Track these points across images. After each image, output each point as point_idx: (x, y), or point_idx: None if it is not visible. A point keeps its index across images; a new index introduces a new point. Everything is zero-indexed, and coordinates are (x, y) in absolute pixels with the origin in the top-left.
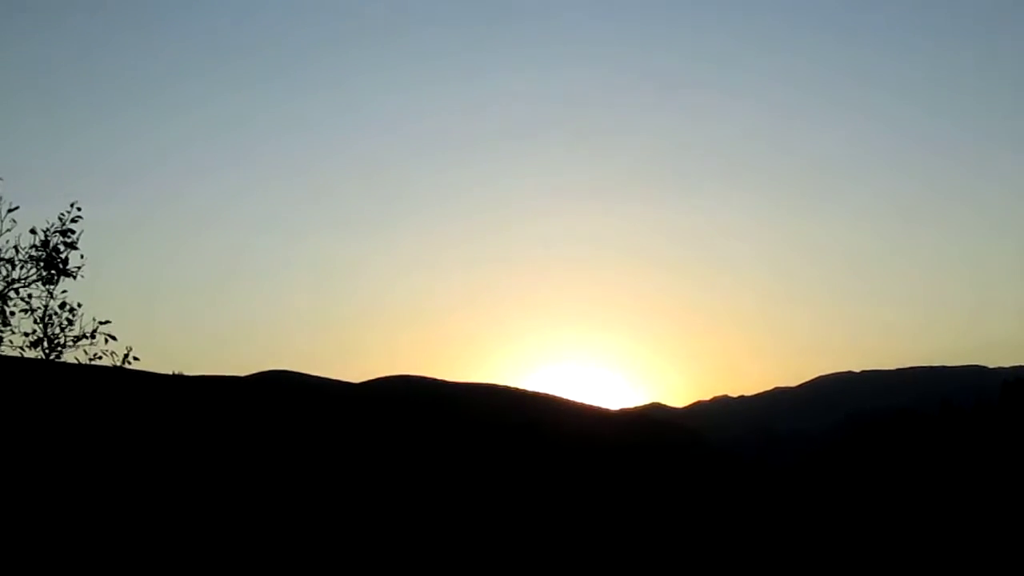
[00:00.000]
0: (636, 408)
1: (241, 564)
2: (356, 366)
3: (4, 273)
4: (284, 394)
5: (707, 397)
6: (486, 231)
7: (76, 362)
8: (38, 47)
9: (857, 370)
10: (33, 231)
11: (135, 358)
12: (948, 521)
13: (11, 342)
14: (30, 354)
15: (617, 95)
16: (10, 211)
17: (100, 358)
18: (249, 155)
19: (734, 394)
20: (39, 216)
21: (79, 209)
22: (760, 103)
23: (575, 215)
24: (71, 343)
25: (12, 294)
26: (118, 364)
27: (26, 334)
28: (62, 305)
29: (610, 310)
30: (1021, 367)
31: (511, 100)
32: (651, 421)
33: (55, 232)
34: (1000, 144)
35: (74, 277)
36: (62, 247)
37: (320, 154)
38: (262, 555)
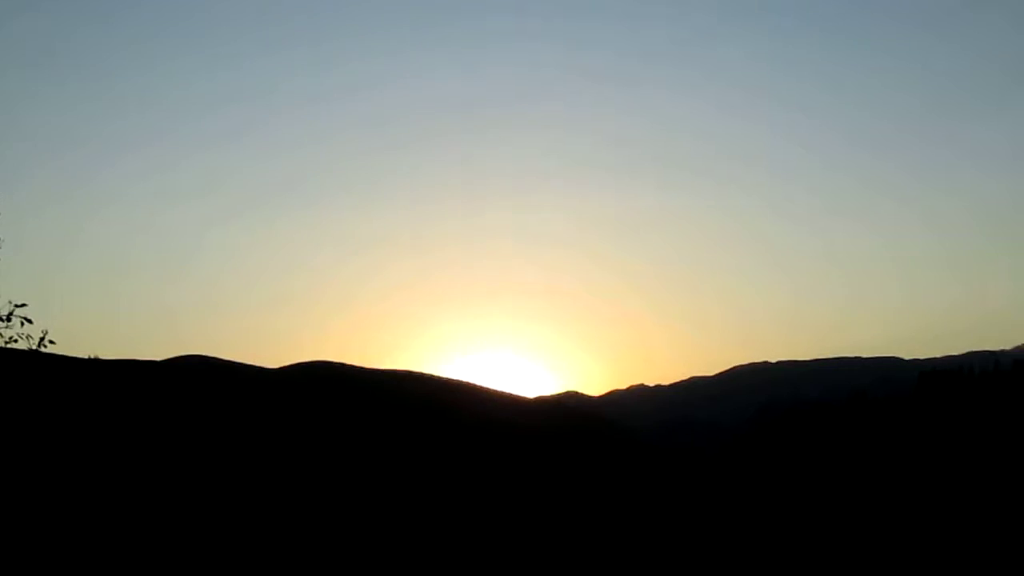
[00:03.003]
0: (552, 396)
1: (159, 543)
2: (275, 352)
3: None
4: (200, 378)
5: (624, 386)
6: (406, 220)
7: None
8: None
9: (773, 360)
10: None
11: (51, 341)
12: (857, 506)
13: None
14: None
15: (547, 88)
16: None
17: (16, 341)
18: (164, 136)
19: (651, 383)
20: None
21: None
22: (687, 95)
23: (495, 206)
24: None
25: None
26: (34, 347)
27: None
28: None
29: (528, 299)
30: (938, 359)
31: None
32: (567, 409)
33: None
34: (923, 139)
35: None
36: None
37: (238, 137)
38: (179, 533)
